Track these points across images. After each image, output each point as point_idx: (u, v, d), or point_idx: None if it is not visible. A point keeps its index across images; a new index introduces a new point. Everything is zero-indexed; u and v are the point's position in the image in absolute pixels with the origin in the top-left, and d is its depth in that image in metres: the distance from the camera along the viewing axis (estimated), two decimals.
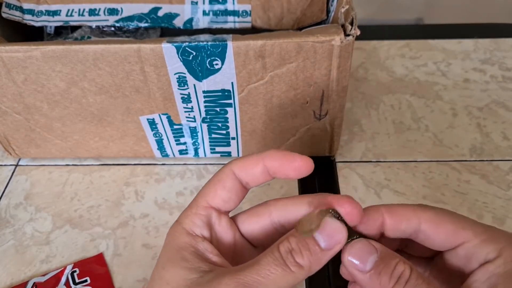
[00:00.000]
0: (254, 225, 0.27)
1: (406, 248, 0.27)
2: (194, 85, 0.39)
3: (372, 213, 0.24)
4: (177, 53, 0.36)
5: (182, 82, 0.38)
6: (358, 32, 0.36)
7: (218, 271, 0.23)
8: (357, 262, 0.23)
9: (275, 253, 0.22)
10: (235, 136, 0.44)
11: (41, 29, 0.48)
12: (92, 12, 0.44)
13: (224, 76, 0.38)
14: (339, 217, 0.23)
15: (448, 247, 0.24)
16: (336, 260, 0.39)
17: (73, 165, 0.48)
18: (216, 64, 0.37)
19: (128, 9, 0.44)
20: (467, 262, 0.23)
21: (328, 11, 0.44)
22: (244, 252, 0.27)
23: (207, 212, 0.26)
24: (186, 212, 0.26)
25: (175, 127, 0.43)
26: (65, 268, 0.39)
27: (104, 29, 0.47)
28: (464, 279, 0.23)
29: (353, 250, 0.23)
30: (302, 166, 0.24)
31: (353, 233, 0.24)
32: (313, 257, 0.22)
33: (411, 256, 0.27)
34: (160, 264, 0.24)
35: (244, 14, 0.44)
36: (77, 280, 0.38)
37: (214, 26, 0.44)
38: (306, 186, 0.45)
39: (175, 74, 0.38)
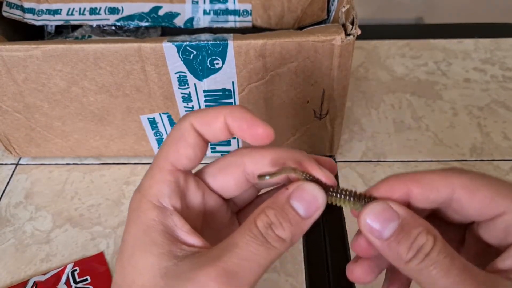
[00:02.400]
0: (227, 178, 0.25)
1: (439, 213, 0.24)
2: (195, 84, 0.39)
3: (393, 183, 0.21)
4: (178, 52, 0.36)
5: (182, 81, 0.38)
6: (359, 32, 0.35)
7: (194, 258, 0.21)
8: (376, 226, 0.20)
9: (254, 230, 0.20)
10: None
11: (41, 28, 0.48)
12: (92, 11, 0.44)
13: (225, 76, 0.38)
14: (314, 179, 0.22)
15: (486, 218, 0.21)
16: (337, 260, 0.39)
17: (73, 164, 0.48)
18: (217, 64, 0.37)
19: (129, 8, 0.44)
20: (507, 236, 0.20)
21: (328, 11, 0.44)
22: (215, 210, 0.25)
23: (174, 177, 0.23)
24: (149, 180, 0.23)
25: None
26: (65, 267, 0.39)
27: (105, 28, 0.47)
28: (500, 253, 0.21)
29: (372, 213, 0.20)
30: (261, 135, 0.22)
31: (368, 197, 0.21)
32: (294, 228, 0.21)
33: (444, 222, 0.24)
34: (127, 250, 0.22)
35: (245, 13, 0.44)
36: (77, 279, 0.38)
37: (215, 25, 0.44)
38: None
39: (175, 73, 0.38)
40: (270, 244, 0.20)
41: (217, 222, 0.25)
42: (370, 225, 0.20)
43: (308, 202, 0.21)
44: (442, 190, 0.21)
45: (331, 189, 0.22)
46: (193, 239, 0.22)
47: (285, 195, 0.21)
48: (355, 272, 0.23)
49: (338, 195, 0.22)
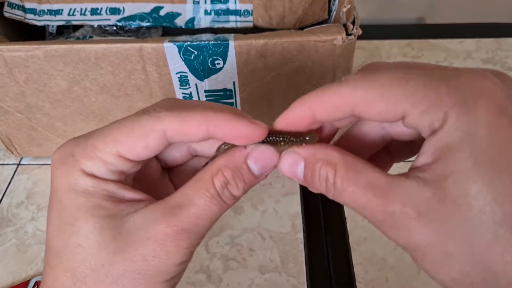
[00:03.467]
0: (142, 143, 0.22)
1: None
2: (196, 84, 0.39)
3: (297, 109, 0.21)
4: (179, 52, 0.36)
5: (183, 81, 0.38)
6: (360, 32, 0.35)
7: (144, 215, 0.20)
8: (288, 173, 0.22)
9: (211, 190, 0.21)
10: None
11: (43, 28, 0.48)
12: (94, 11, 0.44)
13: (226, 76, 0.38)
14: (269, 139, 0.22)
15: (391, 122, 0.20)
16: (338, 260, 0.39)
17: None
18: (218, 64, 0.37)
19: (130, 9, 0.44)
20: (420, 136, 0.20)
21: (329, 10, 0.44)
22: (145, 170, 0.24)
23: (117, 163, 0.21)
24: (87, 150, 0.21)
25: None
26: None
27: (106, 28, 0.47)
28: None
29: (282, 164, 0.22)
30: (245, 135, 0.21)
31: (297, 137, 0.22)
32: (247, 186, 0.22)
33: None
34: (65, 218, 0.21)
35: (246, 13, 0.44)
36: None
37: (216, 25, 0.44)
38: None
39: (176, 73, 0.38)
40: (225, 203, 0.21)
41: (148, 180, 0.25)
42: (286, 173, 0.22)
43: (263, 163, 0.22)
44: (342, 108, 0.20)
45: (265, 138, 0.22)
46: (138, 195, 0.22)
47: (242, 155, 0.22)
48: None
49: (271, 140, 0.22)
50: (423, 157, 0.19)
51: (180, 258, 0.21)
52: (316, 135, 0.22)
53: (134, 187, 0.22)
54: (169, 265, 0.20)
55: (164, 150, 0.22)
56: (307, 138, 0.21)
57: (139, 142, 0.21)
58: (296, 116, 0.21)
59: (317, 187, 0.21)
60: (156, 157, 0.25)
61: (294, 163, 0.21)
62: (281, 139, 0.22)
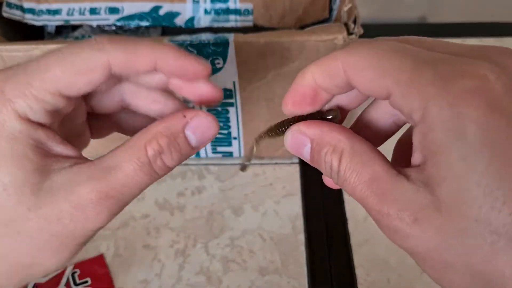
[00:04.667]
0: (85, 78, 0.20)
1: None
2: None
3: (300, 79, 0.20)
4: None
5: None
6: (361, 31, 0.35)
7: (71, 173, 0.19)
8: (296, 153, 0.21)
9: (142, 158, 0.19)
10: (236, 136, 0.44)
11: (41, 28, 0.48)
12: (93, 11, 0.44)
13: (226, 75, 0.38)
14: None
15: (382, 99, 0.19)
16: (339, 262, 0.39)
17: None
18: (218, 63, 0.37)
19: (129, 8, 0.44)
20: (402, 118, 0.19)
21: (330, 10, 0.44)
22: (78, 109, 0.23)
23: (55, 102, 0.19)
24: (21, 87, 0.19)
25: None
26: (65, 269, 0.39)
27: (105, 28, 0.47)
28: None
29: (289, 143, 0.21)
30: (196, 72, 0.20)
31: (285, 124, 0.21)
32: (182, 157, 0.20)
33: None
34: None
35: (246, 12, 0.44)
36: (77, 281, 0.38)
37: (216, 25, 0.44)
38: (310, 185, 0.45)
39: None
40: (156, 173, 0.20)
41: (73, 123, 0.23)
42: (292, 152, 0.21)
43: (202, 133, 0.21)
44: (337, 72, 0.19)
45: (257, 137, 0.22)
46: (67, 150, 0.20)
47: (181, 123, 0.20)
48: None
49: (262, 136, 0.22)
50: (416, 155, 0.17)
51: (99, 224, 0.20)
52: (337, 111, 0.21)
53: (60, 130, 0.21)
54: (86, 230, 0.19)
55: (102, 87, 0.21)
56: (329, 116, 0.21)
57: (82, 78, 0.19)
58: (300, 85, 0.20)
59: (323, 171, 0.20)
60: (85, 100, 0.23)
61: (301, 143, 0.20)
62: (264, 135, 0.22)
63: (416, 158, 0.17)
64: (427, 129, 0.16)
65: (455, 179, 0.16)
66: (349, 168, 0.18)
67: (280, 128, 0.21)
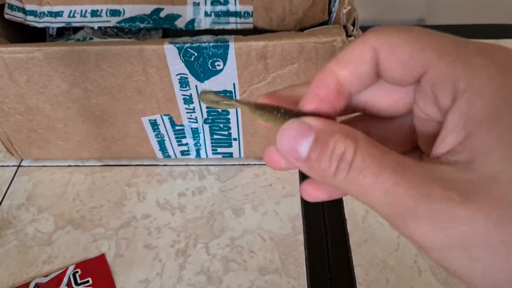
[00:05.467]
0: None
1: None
2: (196, 86, 0.39)
3: (320, 77, 0.18)
4: (179, 54, 0.36)
5: (184, 83, 0.38)
6: (360, 33, 0.35)
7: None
8: (288, 152, 0.17)
9: None
10: (236, 137, 0.44)
11: (43, 30, 0.48)
12: (94, 13, 0.44)
13: (226, 77, 0.38)
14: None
15: (410, 80, 0.17)
16: (338, 262, 0.39)
17: (75, 166, 0.48)
18: (218, 65, 0.37)
19: (130, 10, 0.44)
20: (440, 101, 0.16)
21: (330, 12, 0.44)
22: None
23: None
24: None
25: (177, 128, 0.43)
26: (67, 269, 0.39)
27: (106, 30, 0.47)
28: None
29: (284, 136, 0.17)
30: None
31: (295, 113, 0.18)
32: None
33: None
34: None
35: (246, 15, 0.44)
36: (79, 281, 0.38)
37: (216, 27, 0.44)
38: None
39: (177, 75, 0.38)
40: None
41: None
42: (284, 148, 0.17)
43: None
44: (365, 56, 0.17)
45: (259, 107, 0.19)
46: None
47: None
48: (306, 189, 0.20)
49: (263, 111, 0.19)
50: (450, 137, 0.15)
51: None
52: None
53: None
54: None
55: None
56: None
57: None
58: (322, 80, 0.18)
59: (321, 169, 0.17)
60: None
61: (301, 135, 0.17)
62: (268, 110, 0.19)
63: (449, 141, 0.16)
64: (475, 96, 0.15)
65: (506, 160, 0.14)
66: (369, 155, 0.16)
67: (274, 111, 0.18)
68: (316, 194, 0.20)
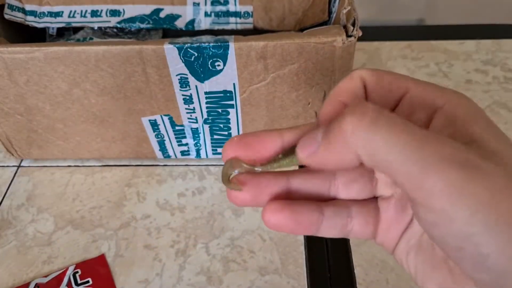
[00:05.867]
0: None
1: None
2: (196, 86, 0.39)
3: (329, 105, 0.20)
4: (179, 54, 0.36)
5: (184, 83, 0.38)
6: (360, 33, 0.35)
7: None
8: (308, 137, 0.19)
9: None
10: None
11: (43, 30, 0.48)
12: (94, 13, 0.44)
13: (226, 77, 0.38)
14: None
15: (394, 97, 0.20)
16: (338, 262, 0.39)
17: (75, 166, 0.48)
18: (218, 65, 0.37)
19: (130, 11, 0.44)
20: (420, 114, 0.19)
21: (329, 12, 0.44)
22: None
23: None
24: None
25: (177, 128, 0.43)
26: (67, 269, 0.39)
27: (106, 30, 0.47)
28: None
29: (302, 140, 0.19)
30: None
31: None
32: None
33: None
34: None
35: (246, 15, 0.44)
36: (79, 281, 0.38)
37: (216, 27, 0.44)
38: None
39: (177, 75, 0.38)
40: None
41: None
42: (303, 141, 0.19)
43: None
44: (355, 78, 0.20)
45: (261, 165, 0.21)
46: None
47: None
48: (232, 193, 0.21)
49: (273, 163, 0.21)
50: (439, 126, 0.18)
51: None
52: None
53: None
54: None
55: None
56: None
57: None
58: (346, 88, 0.20)
59: (342, 130, 0.17)
60: None
61: (313, 134, 0.19)
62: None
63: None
64: (455, 105, 0.18)
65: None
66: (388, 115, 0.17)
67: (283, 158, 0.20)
68: (241, 195, 0.21)
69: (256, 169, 0.21)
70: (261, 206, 0.21)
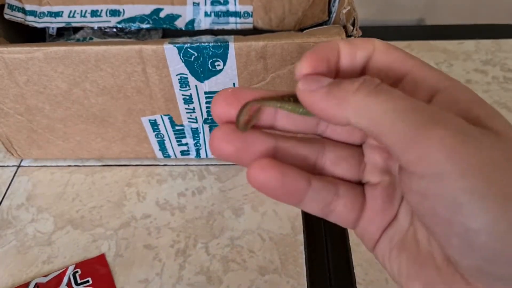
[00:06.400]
0: None
1: None
2: (196, 86, 0.39)
3: (322, 47, 0.20)
4: (179, 54, 0.36)
5: (183, 83, 0.38)
6: (360, 33, 0.36)
7: None
8: (310, 81, 0.19)
9: None
10: None
11: (43, 30, 0.48)
12: (94, 13, 0.44)
13: (226, 77, 0.38)
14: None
15: (395, 79, 0.20)
16: (338, 262, 0.39)
17: (75, 166, 0.48)
18: (218, 65, 0.37)
19: (130, 10, 0.44)
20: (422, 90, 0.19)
21: (329, 12, 0.44)
22: None
23: None
24: None
25: (177, 128, 0.43)
26: (67, 268, 0.39)
27: (106, 30, 0.47)
28: None
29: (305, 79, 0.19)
30: None
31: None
32: None
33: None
34: None
35: (246, 15, 0.44)
36: (79, 281, 0.38)
37: (216, 27, 0.44)
38: None
39: (177, 75, 0.38)
40: None
41: None
42: (306, 84, 0.19)
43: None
44: (366, 46, 0.20)
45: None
46: None
47: None
48: (214, 142, 0.20)
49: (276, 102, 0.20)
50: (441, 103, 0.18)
51: None
52: None
53: None
54: None
55: None
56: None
57: None
58: (324, 46, 0.20)
59: (343, 87, 0.18)
60: None
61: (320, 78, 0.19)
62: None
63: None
64: (456, 91, 0.18)
65: None
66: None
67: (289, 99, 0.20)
68: (224, 147, 0.20)
69: (264, 103, 0.20)
70: (243, 165, 0.20)
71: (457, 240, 0.16)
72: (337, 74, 0.20)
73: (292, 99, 0.20)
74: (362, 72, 0.20)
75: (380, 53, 0.20)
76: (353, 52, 0.20)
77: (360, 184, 0.22)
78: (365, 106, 0.17)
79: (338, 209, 0.21)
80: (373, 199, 0.21)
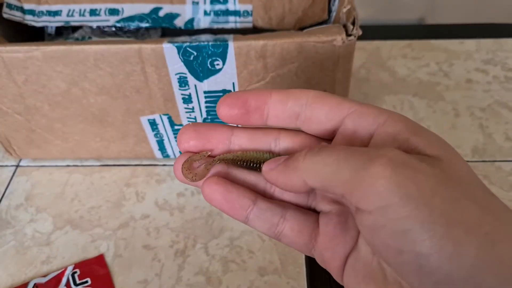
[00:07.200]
0: None
1: None
2: (195, 85, 0.39)
3: (248, 93, 0.23)
4: (178, 53, 0.36)
5: (183, 82, 0.38)
6: (360, 32, 0.35)
7: None
8: (273, 162, 0.21)
9: None
10: None
11: (42, 29, 0.48)
12: (93, 12, 0.44)
13: (225, 77, 0.38)
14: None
15: (336, 121, 0.21)
16: None
17: (73, 166, 0.48)
18: (217, 65, 0.37)
19: (129, 9, 0.44)
20: (361, 133, 0.21)
21: (329, 11, 0.44)
22: None
23: None
24: None
25: (176, 127, 0.43)
26: (65, 269, 0.39)
27: (105, 29, 0.47)
28: None
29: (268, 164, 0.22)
30: None
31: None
32: None
33: None
34: None
35: (246, 14, 0.44)
36: (77, 281, 0.38)
37: (215, 26, 0.44)
38: None
39: (176, 74, 0.38)
40: None
41: None
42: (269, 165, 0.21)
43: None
44: (301, 97, 0.22)
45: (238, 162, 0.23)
46: None
47: None
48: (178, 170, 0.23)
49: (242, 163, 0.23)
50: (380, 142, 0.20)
51: None
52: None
53: None
54: None
55: None
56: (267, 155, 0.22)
57: None
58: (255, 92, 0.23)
59: (294, 159, 0.20)
60: None
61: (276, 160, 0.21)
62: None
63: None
64: (396, 120, 0.20)
65: None
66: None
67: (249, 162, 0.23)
68: (184, 175, 0.23)
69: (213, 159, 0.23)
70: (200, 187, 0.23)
71: (409, 267, 0.17)
72: (266, 119, 0.23)
73: (253, 164, 0.23)
74: (296, 117, 0.22)
75: (314, 103, 0.22)
76: (284, 100, 0.22)
77: (314, 211, 0.24)
78: (313, 166, 0.19)
79: (285, 232, 0.23)
80: (325, 225, 0.22)
